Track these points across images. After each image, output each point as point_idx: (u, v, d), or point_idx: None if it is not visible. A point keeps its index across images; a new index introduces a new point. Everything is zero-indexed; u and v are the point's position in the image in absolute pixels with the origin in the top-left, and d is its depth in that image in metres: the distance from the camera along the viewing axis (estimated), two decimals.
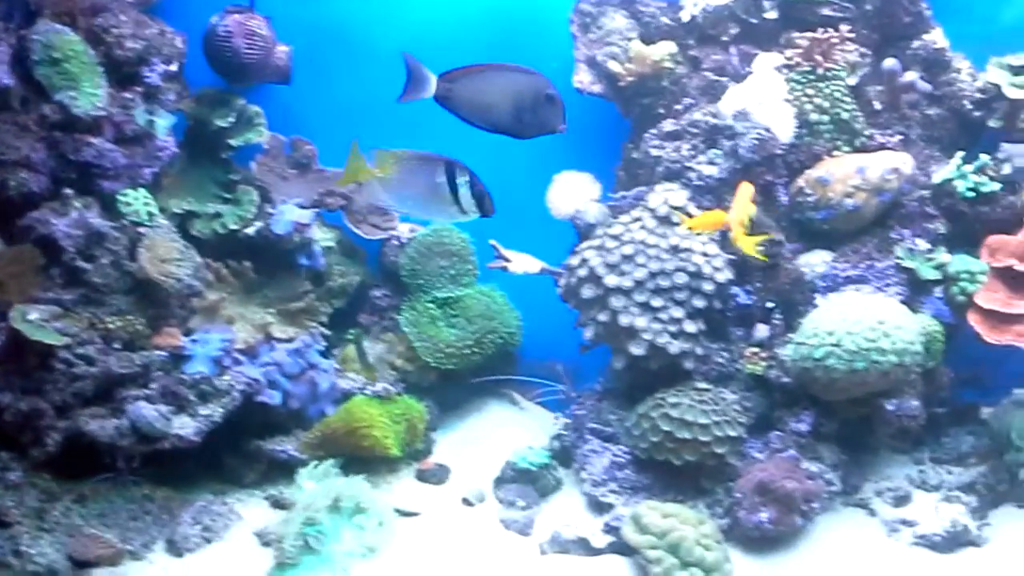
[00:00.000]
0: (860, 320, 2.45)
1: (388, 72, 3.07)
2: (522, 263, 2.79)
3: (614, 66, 2.79)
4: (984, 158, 2.68)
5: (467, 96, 1.91)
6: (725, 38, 2.81)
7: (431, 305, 3.02)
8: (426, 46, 3.03)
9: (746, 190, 2.34)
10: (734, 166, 2.64)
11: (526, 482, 2.76)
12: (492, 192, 1.94)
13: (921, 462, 2.78)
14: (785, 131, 2.62)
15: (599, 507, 2.65)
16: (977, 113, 2.78)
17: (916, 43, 2.78)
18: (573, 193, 2.80)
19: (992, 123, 2.75)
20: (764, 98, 2.60)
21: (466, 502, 2.78)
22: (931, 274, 2.64)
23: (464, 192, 1.87)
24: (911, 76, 2.70)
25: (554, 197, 2.81)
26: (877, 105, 2.78)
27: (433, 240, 3.02)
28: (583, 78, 2.83)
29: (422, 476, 2.88)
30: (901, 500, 2.64)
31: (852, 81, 2.75)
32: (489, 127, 2.09)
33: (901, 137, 2.76)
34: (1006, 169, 2.67)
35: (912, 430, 2.60)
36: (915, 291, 2.66)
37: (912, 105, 2.78)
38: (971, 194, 2.67)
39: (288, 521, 2.48)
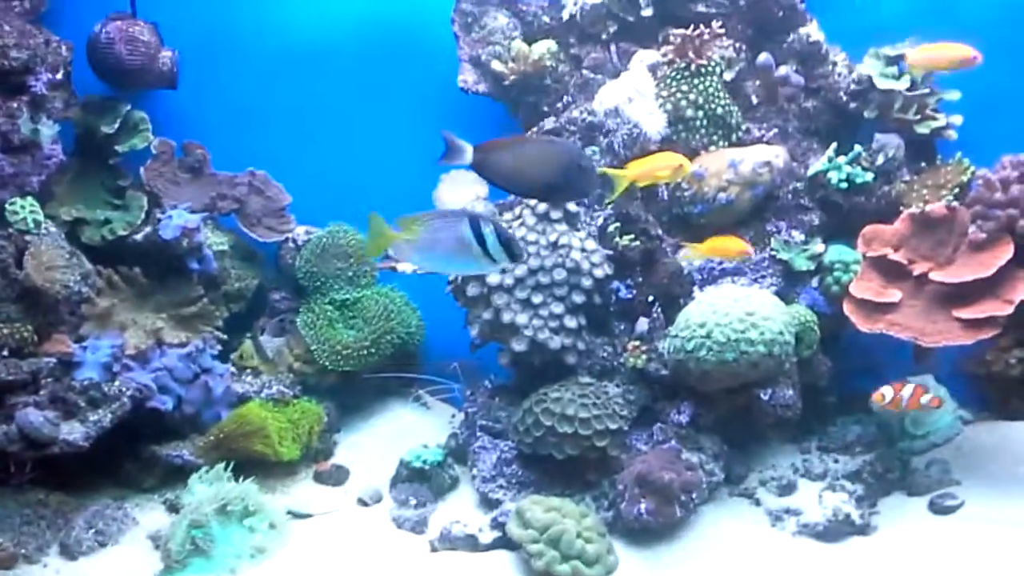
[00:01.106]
0: (729, 312, 2.50)
1: (275, 74, 3.19)
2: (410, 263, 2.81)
3: (497, 65, 2.82)
4: (858, 149, 2.74)
5: (500, 165, 2.00)
6: (604, 36, 2.84)
7: (329, 307, 3.04)
8: (311, 49, 3.13)
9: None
10: (611, 162, 2.67)
11: (421, 481, 2.79)
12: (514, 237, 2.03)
13: (808, 451, 2.84)
14: (655, 126, 2.66)
15: (489, 503, 2.69)
16: (853, 104, 2.83)
17: (791, 37, 2.83)
18: (460, 191, 2.83)
19: (868, 114, 2.81)
20: (634, 95, 2.63)
21: (361, 502, 2.81)
22: (805, 265, 2.69)
23: (492, 242, 1.93)
24: (784, 70, 2.75)
25: (441, 195, 2.84)
26: (755, 99, 2.83)
27: (329, 242, 3.04)
28: (467, 77, 2.86)
29: (319, 478, 2.90)
30: (786, 489, 2.69)
31: (729, 76, 2.80)
32: (522, 194, 2.31)
33: (778, 131, 2.81)
34: (880, 159, 2.73)
35: (790, 420, 2.65)
36: (790, 282, 2.71)
37: (790, 98, 2.83)
38: (845, 185, 2.72)
39: (175, 524, 2.51)
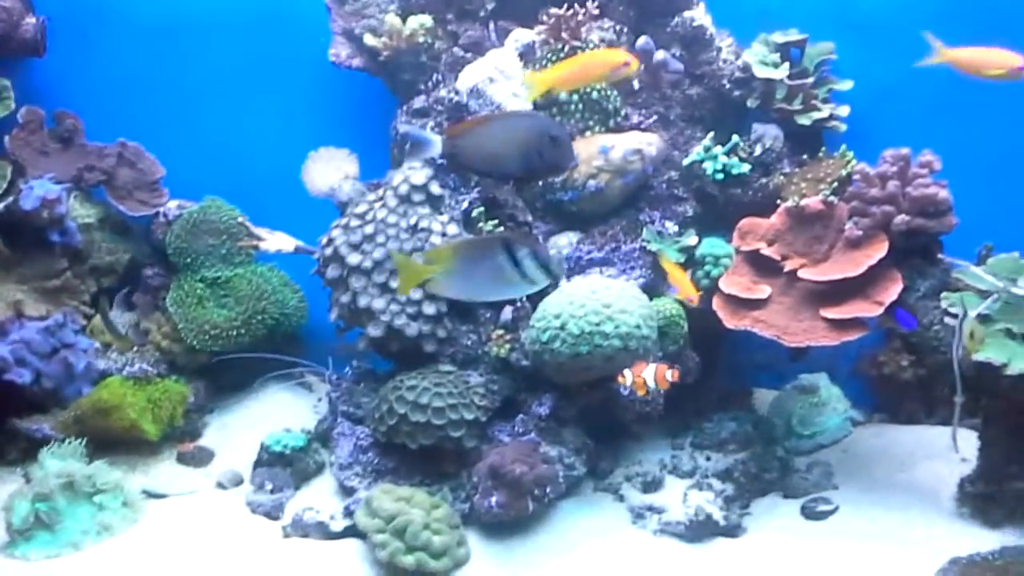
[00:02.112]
0: (585, 304, 2.41)
1: (153, 44, 3.09)
2: (276, 241, 2.73)
3: (370, 40, 2.71)
4: (735, 139, 2.64)
5: (473, 150, 1.95)
6: (483, 13, 2.74)
7: (199, 284, 2.94)
8: (188, 18, 3.03)
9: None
10: None
11: (283, 466, 2.72)
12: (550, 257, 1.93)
13: (682, 448, 2.76)
14: (519, 108, 2.55)
15: (345, 491, 2.62)
16: (737, 93, 2.73)
17: (676, 20, 2.73)
18: (329, 170, 2.74)
19: (750, 103, 2.71)
20: (497, 75, 2.53)
21: (220, 485, 2.74)
22: (676, 257, 2.60)
23: (528, 264, 1.87)
24: (662, 55, 2.65)
25: (308, 174, 2.75)
26: (636, 84, 2.73)
27: (200, 217, 2.94)
28: (340, 51, 2.76)
29: (182, 459, 2.83)
30: (651, 486, 2.61)
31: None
32: (500, 176, 2.23)
33: (659, 117, 2.72)
34: (757, 150, 2.64)
35: (650, 415, 2.56)
36: (660, 274, 2.62)
37: (673, 85, 2.73)
38: (721, 176, 2.63)
39: (17, 496, 2.46)
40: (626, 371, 2.28)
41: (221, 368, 3.00)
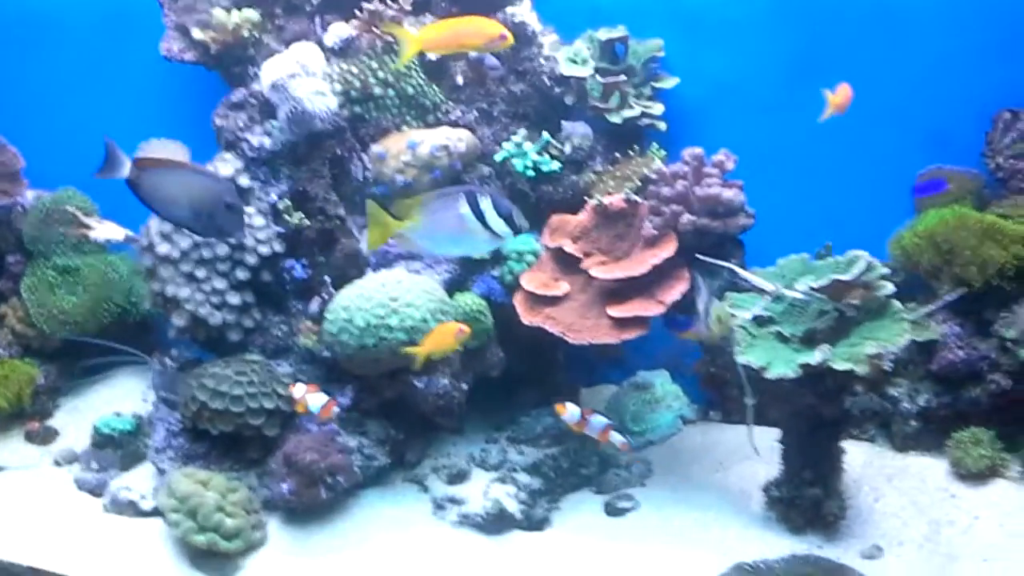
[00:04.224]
0: (373, 297, 2.44)
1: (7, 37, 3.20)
2: (105, 231, 2.79)
3: (198, 34, 2.76)
4: (545, 136, 2.64)
5: (153, 188, 2.00)
6: (309, 7, 2.77)
7: (51, 272, 3.03)
8: (37, 14, 3.11)
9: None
10: (289, 138, 2.62)
11: (114, 447, 2.81)
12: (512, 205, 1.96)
13: (496, 441, 2.78)
14: (322, 104, 2.58)
15: (160, 473, 2.69)
16: (558, 89, 2.73)
17: (499, 16, 2.72)
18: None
19: (568, 100, 2.70)
20: (298, 71, 2.56)
21: (56, 463, 2.85)
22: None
23: (492, 216, 1.89)
24: (474, 52, 2.65)
25: None
26: (460, 80, 2.74)
27: (52, 207, 3.02)
28: (172, 46, 2.80)
29: (28, 436, 2.95)
30: (456, 478, 2.64)
31: (431, 56, 2.70)
32: (171, 220, 2.25)
33: (481, 114, 2.72)
34: (567, 148, 2.63)
35: (445, 408, 2.58)
36: (469, 270, 2.64)
37: (499, 81, 2.73)
38: (532, 173, 2.63)
39: None
40: (299, 384, 2.33)
41: (76, 353, 3.09)
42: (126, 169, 1.96)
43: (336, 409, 2.34)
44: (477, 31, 2.23)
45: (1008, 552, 2.35)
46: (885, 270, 2.26)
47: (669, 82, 2.74)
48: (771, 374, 2.17)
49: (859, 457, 2.67)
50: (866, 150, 2.83)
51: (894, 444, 2.73)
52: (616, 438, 2.38)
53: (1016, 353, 2.51)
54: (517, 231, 1.90)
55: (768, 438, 2.57)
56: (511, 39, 2.26)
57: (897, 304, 2.23)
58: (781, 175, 2.87)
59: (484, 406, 2.83)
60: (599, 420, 2.36)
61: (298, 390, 2.37)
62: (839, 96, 2.40)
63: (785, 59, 2.81)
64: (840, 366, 2.12)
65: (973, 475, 2.55)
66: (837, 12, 2.78)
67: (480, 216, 1.87)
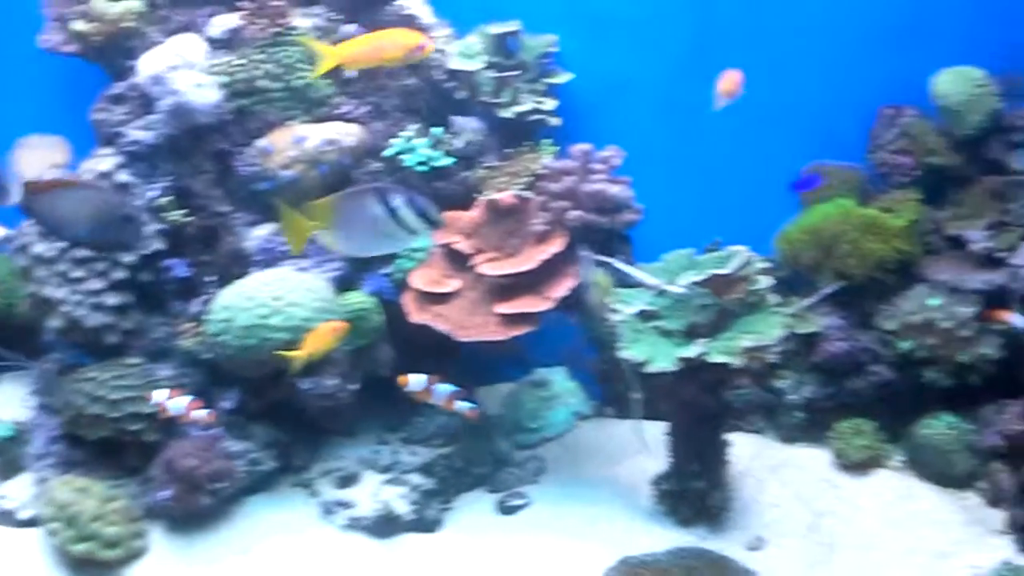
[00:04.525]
0: (255, 297, 2.38)
1: None
2: None
3: (80, 25, 2.65)
4: (437, 131, 2.62)
5: (48, 210, 1.99)
6: None
7: None
8: None
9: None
10: (169, 133, 2.54)
11: None
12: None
13: (388, 442, 2.74)
14: (204, 98, 2.51)
15: (39, 481, 2.59)
16: (450, 84, 2.70)
17: (389, 8, 2.69)
18: (37, 158, 2.69)
19: (459, 95, 2.68)
20: (179, 62, 2.49)
21: None
22: None
23: (405, 213, 1.82)
24: None
25: (17, 162, 2.70)
26: (352, 73, 2.70)
27: None
28: (52, 37, 2.70)
29: None
30: (345, 481, 2.59)
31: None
32: (70, 240, 2.29)
33: (373, 108, 2.68)
34: (459, 143, 2.61)
35: (334, 409, 2.54)
36: (358, 268, 2.60)
37: (391, 75, 2.70)
38: (424, 168, 2.60)
39: None
40: (161, 390, 2.29)
41: None
42: (16, 195, 1.98)
43: (203, 412, 2.27)
44: (395, 43, 2.21)
45: (887, 542, 2.42)
46: (763, 264, 2.30)
47: (562, 77, 2.74)
48: (652, 368, 2.19)
49: (746, 449, 2.72)
50: (755, 147, 2.87)
51: (781, 436, 2.79)
52: (462, 406, 2.32)
53: (896, 345, 2.59)
54: (434, 225, 1.87)
55: (659, 432, 2.61)
56: (430, 48, 2.24)
57: (773, 298, 2.27)
58: (673, 171, 2.90)
59: (379, 407, 2.79)
60: (444, 388, 2.29)
61: (158, 395, 2.30)
62: (728, 82, 2.40)
63: (676, 55, 2.83)
64: (717, 359, 2.15)
65: (855, 465, 2.61)
66: (727, 10, 2.81)
67: (393, 213, 1.83)
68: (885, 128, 2.74)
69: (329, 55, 2.20)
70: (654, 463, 2.62)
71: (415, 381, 2.26)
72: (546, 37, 2.77)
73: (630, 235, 2.53)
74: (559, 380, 3.04)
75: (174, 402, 2.29)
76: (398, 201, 1.80)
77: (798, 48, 2.82)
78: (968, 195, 2.66)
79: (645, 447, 2.55)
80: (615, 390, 2.90)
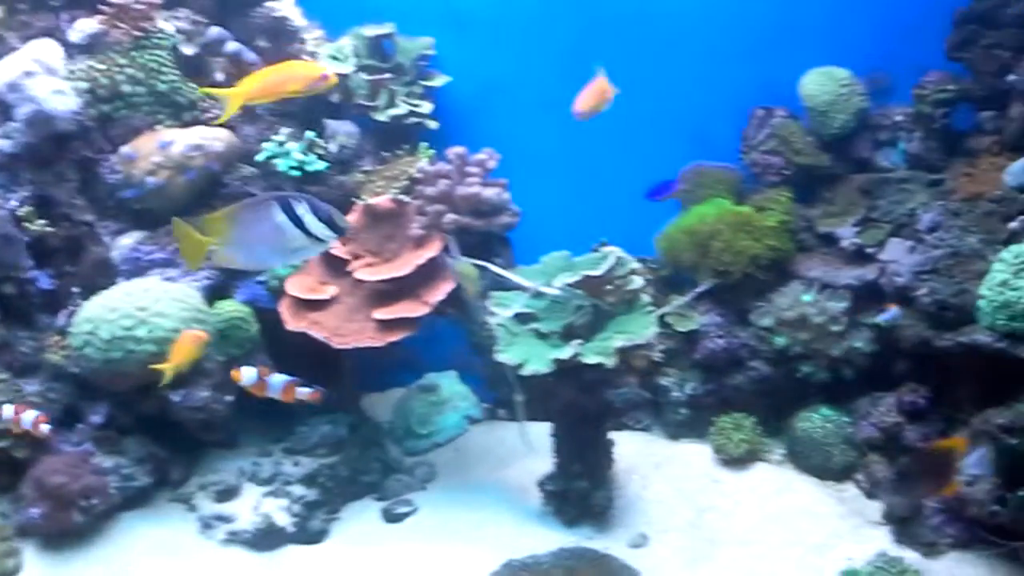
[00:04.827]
0: (119, 308, 2.30)
1: None
2: None
3: None
4: (310, 135, 2.57)
5: None
6: (55, 2, 2.60)
7: None
8: None
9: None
10: (29, 140, 2.44)
11: None
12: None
13: (271, 453, 2.67)
14: (63, 104, 2.42)
15: None
16: None
17: (258, 11, 2.64)
18: None
19: (335, 98, 2.64)
20: (36, 69, 2.39)
21: None
22: None
23: (310, 220, 1.72)
24: (233, 46, 2.56)
25: None
26: (221, 76, 2.63)
27: None
28: None
29: None
30: (225, 495, 2.52)
31: (189, 51, 2.59)
32: None
33: (244, 112, 2.61)
34: (333, 147, 2.57)
35: (206, 422, 2.47)
36: (232, 276, 2.53)
37: None
38: (296, 173, 2.55)
39: None
40: (6, 406, 2.21)
41: None
42: None
43: (46, 426, 2.18)
44: (296, 76, 2.13)
45: (765, 535, 2.45)
46: (636, 265, 2.32)
47: (439, 80, 2.72)
48: (527, 370, 2.18)
49: (631, 447, 2.73)
50: (635, 148, 2.90)
51: (667, 433, 2.82)
52: (303, 392, 2.25)
53: (772, 340, 2.64)
54: (341, 232, 1.82)
55: (544, 434, 2.61)
56: (334, 80, 2.17)
57: (645, 298, 2.29)
58: (556, 173, 2.91)
59: (260, 417, 2.72)
60: (279, 378, 2.23)
61: (7, 410, 2.21)
62: (590, 98, 2.39)
63: (554, 57, 2.84)
64: (590, 360, 2.16)
65: (735, 460, 2.66)
66: (603, 12, 2.83)
67: (298, 222, 1.78)
68: (757, 129, 2.80)
69: (232, 96, 2.12)
70: (544, 464, 2.63)
71: (247, 375, 2.20)
72: (422, 40, 2.75)
73: (510, 238, 2.53)
74: (450, 384, 3.02)
75: (25, 416, 2.20)
76: (302, 209, 1.74)
77: (675, 50, 2.86)
78: (838, 193, 2.73)
79: (531, 449, 2.55)
80: (504, 393, 2.91)
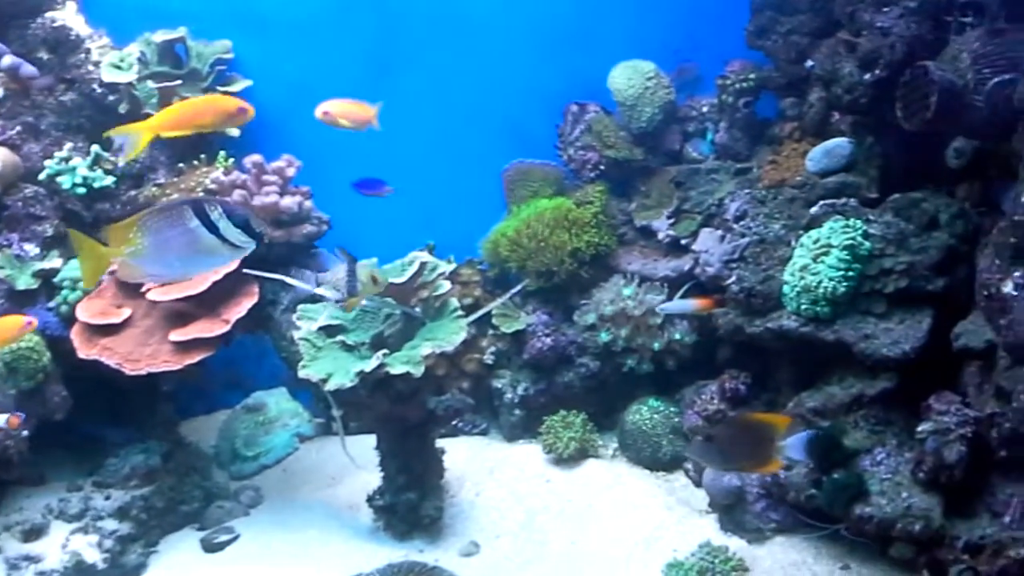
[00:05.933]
0: None
1: None
2: None
3: None
4: (95, 149, 2.42)
5: None
6: None
7: None
8: None
9: None
10: None
11: None
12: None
13: (80, 488, 2.51)
14: None
15: None
16: (112, 97, 2.51)
17: (38, 22, 2.47)
18: None
19: (122, 108, 2.49)
20: None
21: None
22: (29, 283, 2.34)
23: (225, 226, 1.63)
24: (8, 60, 2.38)
25: None
26: (1, 92, 2.45)
27: None
28: None
29: None
30: (31, 534, 2.35)
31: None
32: None
33: (26, 127, 2.44)
34: (122, 161, 2.43)
35: (8, 459, 2.28)
36: (17, 302, 2.36)
37: (46, 91, 2.47)
38: (82, 190, 2.40)
39: None
40: None
41: None
42: None
43: None
44: (211, 109, 2.05)
45: (594, 532, 2.43)
46: (445, 269, 2.26)
47: (239, 84, 2.60)
48: (331, 385, 2.09)
49: (465, 453, 2.69)
50: (456, 150, 2.84)
51: (504, 435, 2.78)
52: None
53: (596, 336, 2.62)
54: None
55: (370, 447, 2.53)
56: (251, 112, 2.05)
57: (454, 303, 2.24)
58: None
59: (65, 451, 2.56)
60: None
61: None
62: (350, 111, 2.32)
63: (361, 58, 2.76)
64: (397, 370, 2.08)
65: (565, 459, 2.63)
66: (408, 12, 2.76)
67: (213, 228, 1.67)
68: (572, 125, 2.78)
69: (143, 130, 1.98)
70: (375, 479, 2.55)
71: None
72: (219, 43, 2.63)
73: (318, 246, 2.43)
74: (278, 402, 2.91)
75: None
76: (216, 214, 1.64)
77: (485, 49, 2.81)
78: (652, 186, 2.73)
79: (356, 464, 2.46)
80: (324, 409, 2.81)
